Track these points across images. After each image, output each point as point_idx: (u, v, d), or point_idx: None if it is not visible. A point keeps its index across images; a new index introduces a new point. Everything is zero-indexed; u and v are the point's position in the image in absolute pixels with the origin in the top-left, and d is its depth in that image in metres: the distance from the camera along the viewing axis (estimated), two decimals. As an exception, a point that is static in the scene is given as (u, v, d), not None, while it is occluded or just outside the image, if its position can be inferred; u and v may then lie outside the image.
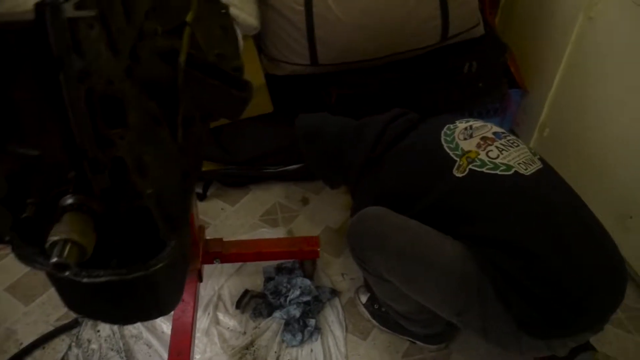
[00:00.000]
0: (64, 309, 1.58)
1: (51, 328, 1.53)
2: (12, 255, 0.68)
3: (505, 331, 1.10)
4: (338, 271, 1.69)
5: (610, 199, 1.63)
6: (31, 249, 0.69)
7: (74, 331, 1.53)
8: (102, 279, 0.67)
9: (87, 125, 0.57)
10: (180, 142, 0.75)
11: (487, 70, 1.81)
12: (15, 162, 0.62)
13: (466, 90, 1.83)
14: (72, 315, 1.55)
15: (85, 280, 0.67)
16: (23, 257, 0.70)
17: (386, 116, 1.40)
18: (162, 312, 0.80)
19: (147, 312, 0.78)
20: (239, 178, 1.96)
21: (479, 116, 2.00)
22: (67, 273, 0.60)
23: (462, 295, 1.12)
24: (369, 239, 1.23)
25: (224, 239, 1.57)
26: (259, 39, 1.76)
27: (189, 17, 0.73)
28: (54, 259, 0.60)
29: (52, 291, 1.62)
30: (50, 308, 1.60)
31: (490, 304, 1.08)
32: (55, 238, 0.61)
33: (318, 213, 1.90)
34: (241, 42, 1.61)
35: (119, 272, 0.67)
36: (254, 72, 1.71)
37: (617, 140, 1.59)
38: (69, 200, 0.64)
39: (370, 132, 1.37)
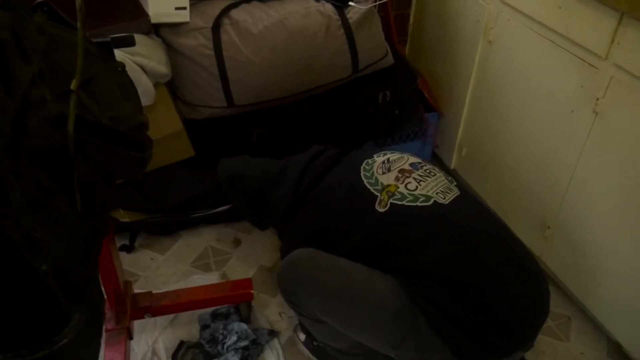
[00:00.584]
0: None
1: None
2: None
3: None
4: (275, 310, 1.68)
5: (529, 211, 1.71)
6: None
7: None
8: (3, 365, 0.64)
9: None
10: (80, 209, 0.73)
11: (401, 97, 1.88)
12: None
13: (383, 118, 1.88)
14: None
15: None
16: None
17: (306, 155, 1.41)
18: (77, 387, 0.76)
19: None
20: (167, 225, 1.92)
21: (401, 141, 2.06)
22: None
23: (397, 329, 1.13)
24: (300, 283, 1.22)
25: (154, 291, 1.53)
26: (173, 85, 1.75)
27: (73, 85, 0.72)
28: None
29: None
30: None
31: (424, 335, 1.09)
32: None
33: (251, 253, 1.88)
34: (152, 91, 1.59)
35: (20, 354, 0.64)
36: (170, 119, 1.69)
37: (527, 153, 1.68)
38: (-43, 287, 0.61)
39: (292, 173, 1.37)
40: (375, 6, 1.80)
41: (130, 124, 0.91)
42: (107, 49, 0.95)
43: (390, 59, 1.86)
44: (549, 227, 1.64)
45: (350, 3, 1.75)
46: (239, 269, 1.82)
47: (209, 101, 1.71)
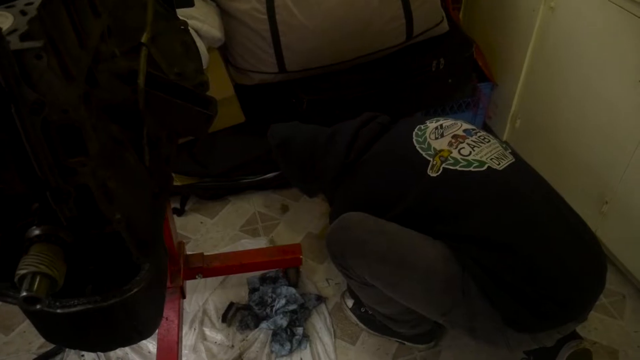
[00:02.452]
0: (45, 337, 1.55)
1: (34, 356, 1.50)
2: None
3: (491, 328, 1.10)
4: (323, 277, 1.69)
5: (586, 186, 1.65)
6: (3, 283, 0.68)
7: (58, 358, 1.50)
8: (77, 308, 0.66)
9: (46, 156, 0.55)
10: (148, 163, 0.74)
11: (455, 66, 1.83)
12: (-23, 198, 0.60)
13: (436, 87, 1.84)
14: (55, 342, 1.52)
15: (59, 310, 0.66)
16: (-5, 292, 0.68)
17: (357, 121, 1.40)
18: (142, 336, 0.78)
19: (127, 337, 0.77)
20: (216, 190, 1.94)
21: (452, 112, 2.02)
22: (37, 306, 0.59)
23: (447, 295, 1.12)
24: (349, 246, 1.22)
25: (205, 253, 1.56)
26: (225, 50, 1.76)
27: (144, 38, 0.72)
28: (23, 293, 0.58)
29: (33, 320, 1.61)
30: (31, 336, 1.56)
31: (475, 301, 1.08)
32: (23, 271, 0.59)
33: (298, 220, 1.89)
34: (206, 55, 1.60)
35: (93, 299, 0.66)
36: (222, 84, 1.70)
37: (587, 126, 1.61)
38: (36, 232, 0.63)
39: (342, 138, 1.36)
40: (431, -30, 1.75)
41: (193, 82, 0.91)
42: (170, 7, 0.96)
43: (445, 26, 1.81)
44: (606, 202, 1.59)
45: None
46: (286, 235, 1.84)
47: (261, 66, 1.71)
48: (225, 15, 1.68)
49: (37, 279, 0.59)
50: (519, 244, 1.08)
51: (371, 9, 1.65)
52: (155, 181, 0.75)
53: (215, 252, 1.63)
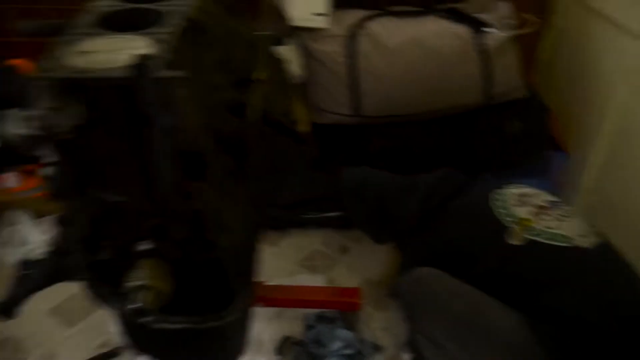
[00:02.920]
0: (105, 336, 1.59)
1: (92, 354, 1.54)
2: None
3: None
4: (380, 325, 1.67)
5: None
6: (106, 288, 0.72)
7: (114, 360, 1.54)
8: (177, 326, 0.69)
9: (170, 179, 0.60)
10: (250, 195, 0.78)
11: (529, 131, 1.83)
12: (98, 207, 0.65)
13: (507, 151, 1.83)
14: (112, 344, 1.56)
15: (156, 326, 0.69)
16: (97, 296, 0.73)
17: (434, 176, 1.40)
18: (229, 360, 0.81)
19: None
20: (278, 221, 1.98)
21: (520, 177, 1.98)
22: (146, 319, 0.62)
23: None
24: (424, 302, 1.20)
25: (265, 282, 1.58)
26: (304, 89, 1.82)
27: (260, 74, 0.77)
28: (135, 304, 0.62)
29: (94, 317, 1.65)
30: (92, 334, 1.61)
31: None
32: (136, 283, 0.63)
33: (358, 263, 1.89)
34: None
35: (194, 320, 0.69)
36: (302, 119, 1.75)
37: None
38: (146, 246, 0.67)
39: (420, 190, 1.37)
40: (513, 35, 1.77)
41: (287, 118, 0.96)
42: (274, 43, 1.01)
43: (523, 91, 1.82)
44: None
45: (489, 29, 1.73)
46: (344, 277, 1.84)
47: (336, 108, 1.76)
48: (307, 55, 1.75)
49: (149, 292, 0.63)
50: (600, 326, 1.04)
51: (450, 65, 1.68)
52: (255, 212, 0.78)
53: (272, 282, 1.65)
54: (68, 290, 1.71)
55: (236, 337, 0.76)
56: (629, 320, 1.06)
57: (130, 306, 0.61)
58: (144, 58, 0.52)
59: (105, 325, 1.62)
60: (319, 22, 1.71)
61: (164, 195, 0.62)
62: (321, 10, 1.70)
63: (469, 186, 1.37)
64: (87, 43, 0.62)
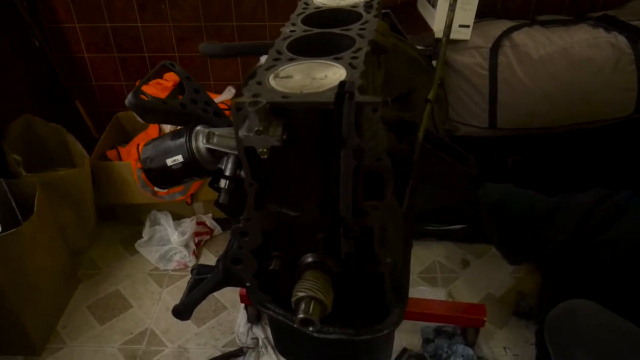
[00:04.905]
0: (231, 336, 1.68)
1: (218, 352, 1.63)
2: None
3: None
4: (500, 344, 1.62)
5: None
6: (267, 296, 0.75)
7: (239, 359, 1.61)
8: (332, 336, 0.70)
9: (350, 196, 0.61)
10: (404, 211, 0.78)
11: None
12: (274, 220, 0.68)
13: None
14: (238, 343, 1.64)
15: (316, 334, 0.71)
16: (258, 302, 0.76)
17: (589, 196, 1.32)
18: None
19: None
20: (399, 232, 1.97)
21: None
22: (310, 329, 0.64)
23: None
24: (578, 337, 1.12)
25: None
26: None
27: (430, 95, 0.76)
28: (301, 315, 0.64)
29: (221, 317, 1.75)
30: (218, 333, 1.71)
31: None
32: (302, 294, 0.65)
33: (479, 278, 1.84)
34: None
35: (348, 332, 0.70)
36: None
37: None
38: (311, 259, 0.69)
39: (573, 212, 1.29)
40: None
41: (439, 132, 0.95)
42: (427, 61, 1.00)
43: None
44: None
45: (645, 37, 1.60)
46: (465, 291, 1.80)
47: (471, 120, 1.71)
48: (446, 66, 1.72)
49: (313, 304, 0.65)
50: None
51: (602, 77, 1.57)
52: (407, 228, 0.78)
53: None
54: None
55: (383, 351, 0.76)
56: None
57: (298, 316, 0.63)
58: (346, 85, 0.54)
59: (232, 326, 1.72)
60: (463, 34, 1.67)
61: (341, 212, 0.63)
62: (466, 22, 1.66)
63: (632, 208, 1.27)
64: (288, 68, 0.65)
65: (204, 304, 1.78)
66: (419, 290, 1.79)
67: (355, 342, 0.71)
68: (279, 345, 0.82)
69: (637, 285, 1.13)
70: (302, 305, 0.64)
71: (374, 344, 0.73)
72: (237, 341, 1.66)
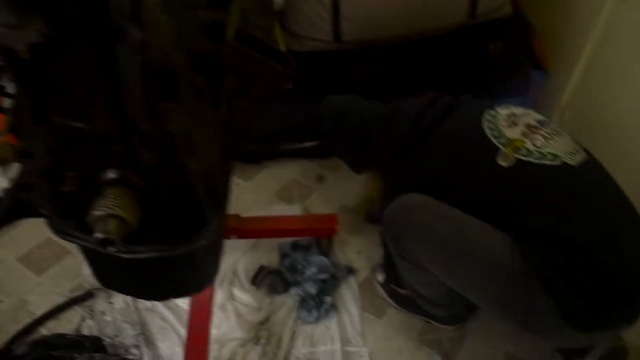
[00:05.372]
0: (76, 280, 1.57)
1: (64, 299, 1.52)
2: (22, 226, 0.66)
3: (548, 324, 1.08)
4: (354, 249, 1.69)
5: (637, 184, 1.61)
6: (68, 222, 0.68)
7: (87, 303, 1.52)
8: (144, 255, 0.66)
9: (140, 98, 0.55)
10: (223, 117, 0.73)
11: (512, 50, 1.78)
12: (59, 135, 0.60)
13: (490, 71, 1.80)
14: (85, 286, 1.55)
15: (125, 256, 0.66)
16: (59, 231, 0.68)
17: (422, 99, 1.35)
18: (199, 288, 0.79)
19: (184, 288, 0.77)
20: (254, 154, 1.94)
21: (499, 97, 1.97)
22: (112, 249, 0.59)
23: (508, 288, 1.10)
24: (410, 228, 1.20)
25: (240, 215, 1.56)
26: (281, 15, 1.73)
27: (236, -9, 0.70)
28: (99, 235, 0.58)
29: (65, 262, 1.63)
30: (62, 279, 1.59)
31: (536, 296, 1.06)
32: (100, 213, 0.59)
33: (334, 191, 1.89)
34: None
35: (161, 248, 0.66)
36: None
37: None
38: (112, 175, 0.63)
39: (406, 115, 1.33)
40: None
41: (270, 37, 0.89)
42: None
43: (508, 8, 1.76)
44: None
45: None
46: (320, 205, 1.83)
47: (316, 34, 1.68)
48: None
49: (114, 222, 0.59)
50: (589, 243, 1.05)
51: (435, -17, 1.61)
52: (228, 136, 0.74)
53: (249, 214, 1.63)
54: (37, 238, 1.68)
55: (207, 263, 0.73)
56: (604, 230, 1.08)
57: (95, 235, 0.57)
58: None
59: (77, 270, 1.60)
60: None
61: (133, 118, 0.56)
62: None
63: (459, 108, 1.34)
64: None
65: (44, 250, 1.65)
66: (275, 209, 1.80)
67: (173, 258, 0.67)
68: (99, 278, 0.76)
69: (458, 178, 1.20)
70: (100, 225, 0.58)
71: (195, 257, 0.69)
72: (85, 284, 1.56)
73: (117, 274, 0.74)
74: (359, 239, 1.71)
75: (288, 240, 1.67)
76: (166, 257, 0.68)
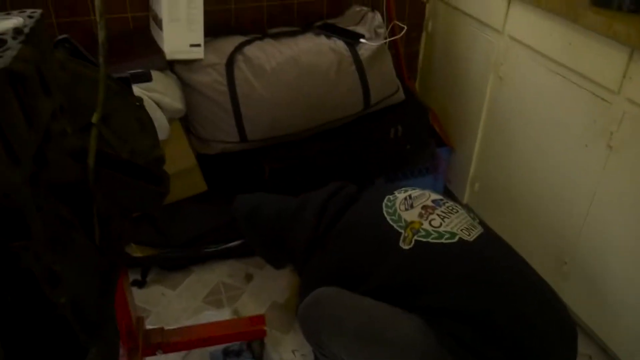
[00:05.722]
0: None
1: None
2: None
3: None
4: (288, 348, 1.65)
5: (545, 247, 1.69)
6: None
7: None
8: (17, 400, 0.62)
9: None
10: (98, 242, 0.73)
11: (412, 132, 1.89)
12: None
13: (395, 154, 1.89)
14: None
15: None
16: None
17: (324, 192, 1.40)
18: None
19: None
20: (178, 260, 1.91)
21: (413, 177, 2.06)
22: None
23: None
24: (324, 323, 1.19)
25: (166, 327, 1.51)
26: (187, 121, 1.78)
27: (94, 118, 0.73)
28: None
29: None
30: None
31: None
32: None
33: (263, 289, 1.86)
34: (167, 127, 1.61)
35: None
36: (183, 154, 1.71)
37: (540, 188, 1.67)
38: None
39: (311, 210, 1.36)
40: (385, 43, 1.83)
41: (147, 158, 0.92)
42: (126, 84, 0.97)
43: (401, 95, 1.89)
44: (565, 263, 1.62)
45: (362, 40, 1.78)
46: (251, 305, 1.80)
47: (222, 136, 1.73)
48: (186, 87, 1.71)
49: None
50: (493, 316, 1.08)
51: (329, 80, 1.71)
52: (106, 260, 0.73)
53: (178, 324, 1.58)
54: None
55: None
56: (508, 303, 1.10)
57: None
58: None
59: None
60: (195, 54, 1.69)
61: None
62: (196, 41, 1.67)
63: (361, 197, 1.38)
64: None
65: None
66: (205, 316, 1.75)
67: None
68: None
69: (363, 268, 1.22)
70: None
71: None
72: None
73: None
74: (292, 336, 1.68)
75: (220, 347, 1.62)
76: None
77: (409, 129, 1.88)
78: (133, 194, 0.77)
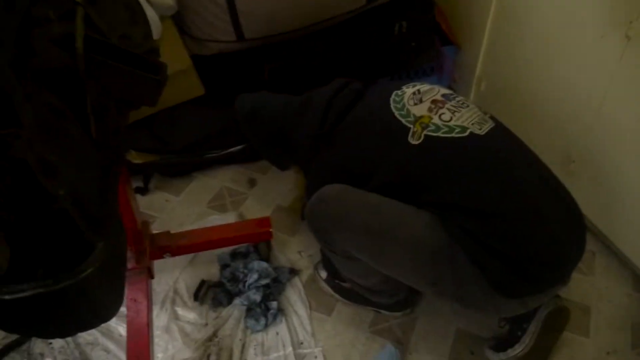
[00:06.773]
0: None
1: (-1, 347, 1.44)
2: None
3: (480, 295, 1.08)
4: (294, 249, 1.66)
5: (553, 145, 1.65)
6: None
7: (24, 347, 1.44)
8: (27, 294, 0.61)
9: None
10: (94, 135, 0.69)
11: (417, 29, 1.80)
12: None
13: (399, 51, 1.80)
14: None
15: (7, 297, 0.61)
16: None
17: (329, 89, 1.33)
18: (103, 319, 0.74)
19: (85, 322, 0.72)
20: (180, 167, 1.88)
21: (417, 77, 1.99)
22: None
23: (435, 264, 1.10)
24: (332, 220, 1.18)
25: (172, 231, 1.51)
26: (180, 19, 1.68)
27: (79, -4, 0.66)
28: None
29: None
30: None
31: (463, 269, 1.06)
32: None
33: (267, 193, 1.85)
34: (159, 24, 1.52)
35: (44, 283, 0.61)
36: (177, 55, 1.63)
37: (551, 84, 1.60)
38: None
39: (316, 107, 1.30)
40: None
41: (142, 49, 0.85)
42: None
43: (408, -14, 1.77)
44: (573, 161, 1.59)
45: None
46: (255, 209, 1.80)
47: (218, 35, 1.64)
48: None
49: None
50: (505, 209, 1.06)
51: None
52: (105, 154, 0.70)
53: (183, 229, 1.58)
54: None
55: (104, 291, 0.69)
56: (519, 197, 1.09)
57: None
58: None
59: None
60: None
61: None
62: None
63: (368, 93, 1.32)
64: None
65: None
66: (210, 220, 1.75)
67: (61, 291, 0.63)
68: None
69: (372, 163, 1.19)
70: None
71: (86, 286, 0.65)
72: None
73: (9, 316, 0.68)
74: (298, 238, 1.69)
75: (227, 249, 1.63)
76: (55, 292, 0.63)
77: (413, 25, 1.78)
78: (128, 83, 0.72)
